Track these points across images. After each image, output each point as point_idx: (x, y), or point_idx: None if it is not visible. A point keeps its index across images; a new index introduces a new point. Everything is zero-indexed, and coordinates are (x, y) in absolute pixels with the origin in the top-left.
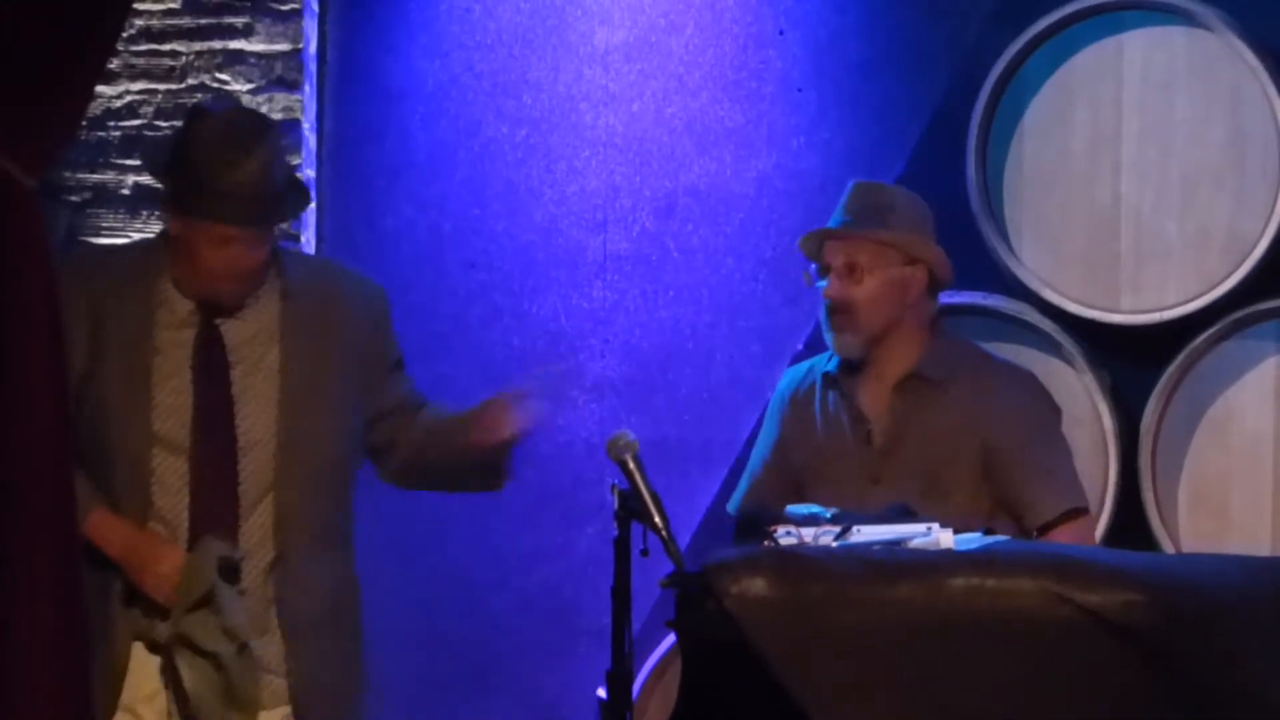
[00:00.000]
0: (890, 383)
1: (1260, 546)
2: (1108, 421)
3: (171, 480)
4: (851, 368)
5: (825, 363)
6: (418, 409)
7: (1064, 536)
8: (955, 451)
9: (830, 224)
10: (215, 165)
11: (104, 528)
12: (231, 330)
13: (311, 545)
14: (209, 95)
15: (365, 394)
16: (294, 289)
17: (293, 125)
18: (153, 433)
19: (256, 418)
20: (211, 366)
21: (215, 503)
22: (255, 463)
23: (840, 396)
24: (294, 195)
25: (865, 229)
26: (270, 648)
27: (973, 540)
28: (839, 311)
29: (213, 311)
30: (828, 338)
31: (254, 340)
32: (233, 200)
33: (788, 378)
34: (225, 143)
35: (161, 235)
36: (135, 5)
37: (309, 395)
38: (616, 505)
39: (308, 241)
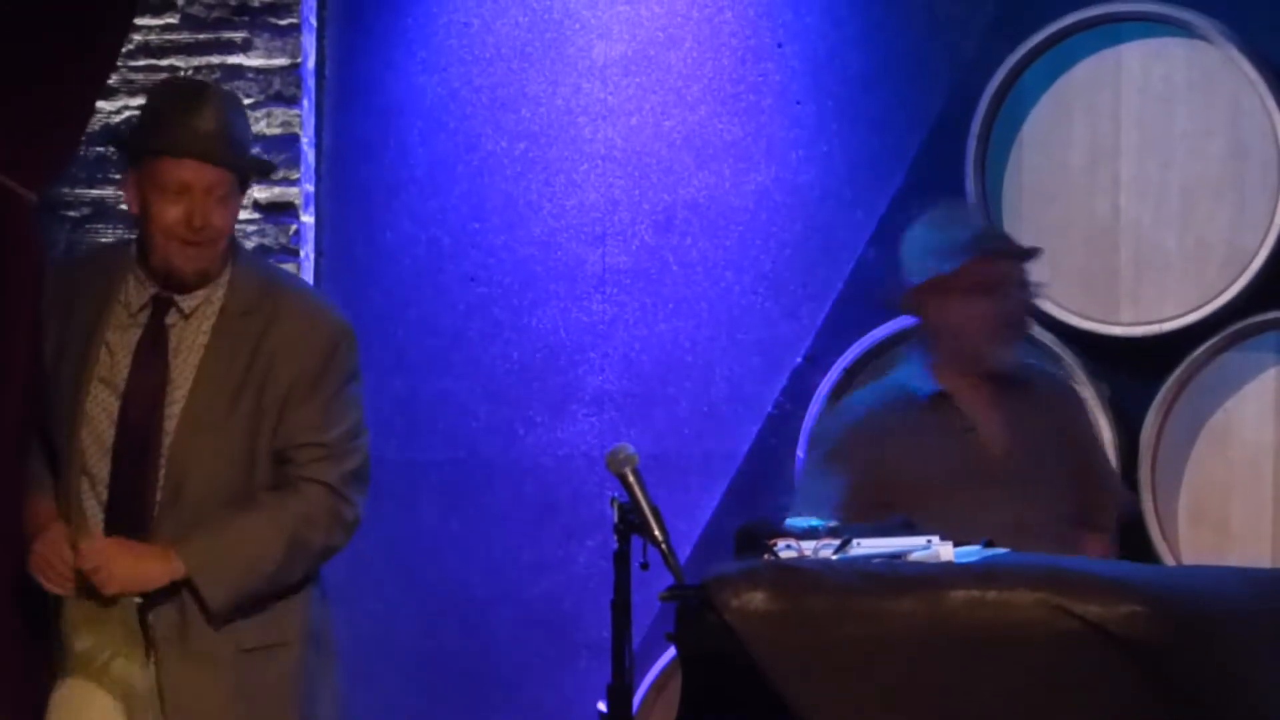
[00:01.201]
0: (990, 389)
1: (1261, 558)
2: (1107, 434)
3: (98, 485)
4: (954, 382)
5: (909, 385)
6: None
7: (1106, 539)
8: (1057, 447)
9: (996, 243)
10: (172, 109)
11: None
12: (178, 332)
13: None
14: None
15: (280, 425)
16: (232, 307)
17: (291, 140)
18: (81, 434)
19: (171, 428)
20: (151, 367)
21: (130, 506)
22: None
23: (946, 413)
24: (255, 156)
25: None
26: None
27: (973, 553)
28: (1017, 325)
29: (164, 308)
30: (997, 351)
31: (190, 348)
32: (188, 136)
33: (863, 406)
34: (180, 92)
35: (128, 241)
36: (135, 21)
37: (209, 418)
38: (616, 518)
39: (306, 256)
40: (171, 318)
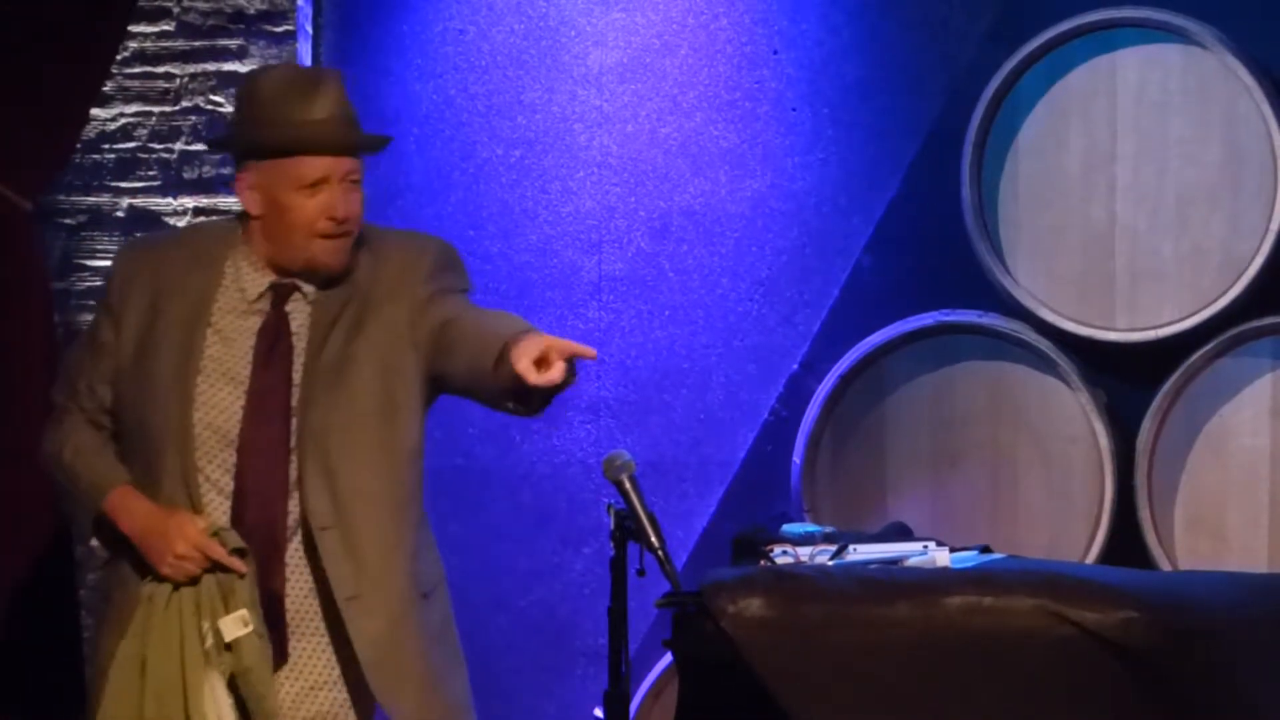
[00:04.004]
0: None
1: (1257, 564)
2: (1104, 440)
3: (216, 473)
4: None
5: None
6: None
7: None
8: None
9: None
10: (292, 101)
11: (122, 506)
12: (300, 316)
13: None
14: (203, 117)
15: (415, 355)
16: (343, 276)
17: None
18: (193, 420)
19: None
20: (275, 354)
21: (261, 494)
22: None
23: None
24: (373, 133)
25: None
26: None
27: (969, 559)
28: None
29: (285, 295)
30: None
31: (319, 331)
32: (320, 127)
33: None
34: (295, 80)
35: (233, 218)
36: (129, 28)
37: (328, 377)
38: (613, 525)
39: None
40: (291, 304)
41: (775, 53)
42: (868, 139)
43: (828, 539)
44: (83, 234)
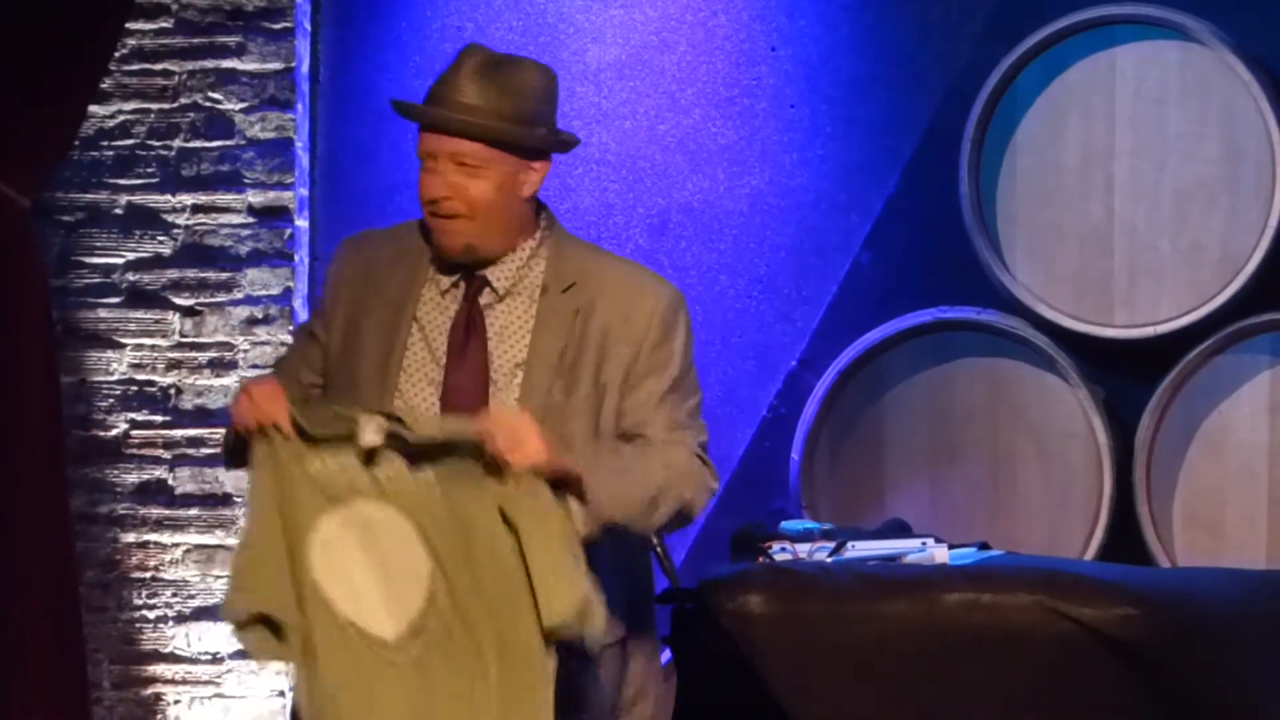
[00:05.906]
0: None
1: (1255, 560)
2: (1102, 437)
3: None
4: None
5: None
6: None
7: None
8: None
9: None
10: (441, 75)
11: None
12: (495, 314)
13: None
14: (202, 114)
15: (625, 404)
16: (554, 285)
17: (286, 145)
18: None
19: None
20: (468, 349)
21: None
22: None
23: None
24: (537, 129)
25: None
26: None
27: (967, 555)
28: None
29: (477, 287)
30: None
31: (513, 330)
32: (433, 104)
33: None
34: (456, 62)
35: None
36: (128, 25)
37: (550, 401)
38: None
39: (301, 260)
40: (486, 298)
41: (773, 49)
42: (866, 136)
43: (826, 536)
44: (81, 231)
